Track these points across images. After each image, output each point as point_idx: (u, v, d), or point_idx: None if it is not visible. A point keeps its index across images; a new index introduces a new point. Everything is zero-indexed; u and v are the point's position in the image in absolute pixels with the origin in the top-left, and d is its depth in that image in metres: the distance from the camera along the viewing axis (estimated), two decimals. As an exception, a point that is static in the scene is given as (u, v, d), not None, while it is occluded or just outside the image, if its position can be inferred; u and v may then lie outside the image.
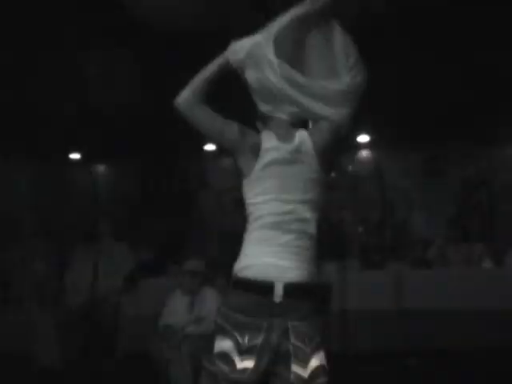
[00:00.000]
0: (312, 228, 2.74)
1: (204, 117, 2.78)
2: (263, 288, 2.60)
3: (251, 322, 2.56)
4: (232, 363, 2.55)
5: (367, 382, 5.71)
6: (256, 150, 2.72)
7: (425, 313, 6.84)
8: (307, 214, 2.73)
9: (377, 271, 7.76)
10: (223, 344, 2.59)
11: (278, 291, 2.59)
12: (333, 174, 9.76)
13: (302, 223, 2.72)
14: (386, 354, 6.53)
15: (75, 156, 10.20)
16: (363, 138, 9.77)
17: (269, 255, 2.65)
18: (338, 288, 6.96)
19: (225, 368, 2.56)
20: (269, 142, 2.75)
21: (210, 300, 5.33)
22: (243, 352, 2.55)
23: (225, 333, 2.59)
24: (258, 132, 2.84)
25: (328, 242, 7.36)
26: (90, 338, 6.83)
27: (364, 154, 10.04)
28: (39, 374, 6.61)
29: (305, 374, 2.56)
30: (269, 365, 2.58)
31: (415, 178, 9.58)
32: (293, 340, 2.58)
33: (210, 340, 2.71)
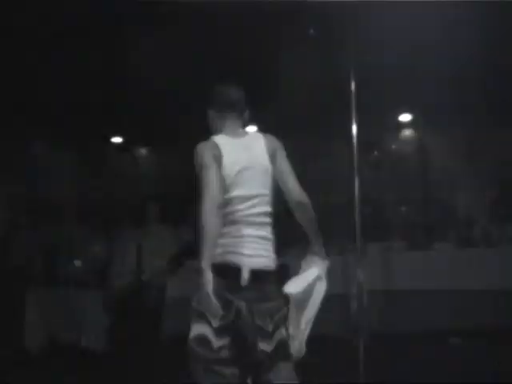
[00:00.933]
0: (271, 219, 3.01)
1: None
2: (231, 273, 2.83)
3: (222, 303, 2.74)
4: (209, 344, 2.78)
5: (411, 360, 5.69)
6: (220, 156, 2.91)
7: (470, 293, 6.79)
8: (265, 207, 2.99)
9: (422, 251, 7.70)
10: (199, 327, 2.80)
11: (245, 276, 2.82)
12: (375, 153, 9.71)
13: (263, 216, 2.97)
14: (431, 334, 6.51)
15: (117, 140, 10.32)
16: (405, 117, 9.68)
17: (237, 245, 2.88)
18: (382, 269, 6.97)
19: (203, 350, 2.79)
20: (223, 141, 2.97)
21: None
22: (217, 332, 2.76)
23: (199, 316, 2.78)
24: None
25: (371, 222, 7.33)
26: (136, 319, 6.92)
27: (407, 133, 9.95)
28: (85, 356, 6.71)
29: (268, 348, 2.82)
30: (243, 343, 2.83)
31: (459, 157, 9.45)
32: (257, 321, 2.82)
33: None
